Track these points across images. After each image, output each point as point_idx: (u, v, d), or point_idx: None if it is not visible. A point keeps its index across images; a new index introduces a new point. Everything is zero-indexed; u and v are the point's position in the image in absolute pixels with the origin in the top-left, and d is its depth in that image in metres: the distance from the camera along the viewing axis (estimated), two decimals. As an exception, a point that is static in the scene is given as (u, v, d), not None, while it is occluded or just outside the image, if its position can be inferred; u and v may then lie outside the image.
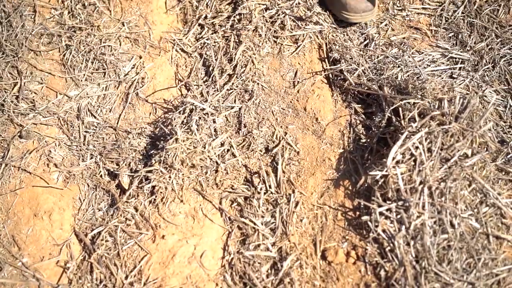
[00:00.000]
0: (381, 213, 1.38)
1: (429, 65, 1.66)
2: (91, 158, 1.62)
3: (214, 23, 1.81)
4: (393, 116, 1.50)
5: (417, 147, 1.40)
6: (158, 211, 1.48)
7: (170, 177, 1.49)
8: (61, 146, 1.65)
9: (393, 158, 1.40)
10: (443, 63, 1.68)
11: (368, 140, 1.53)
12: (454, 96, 1.47)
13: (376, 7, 1.74)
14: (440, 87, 1.51)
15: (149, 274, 1.40)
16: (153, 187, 1.50)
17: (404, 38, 1.75)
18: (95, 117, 1.71)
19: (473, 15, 1.79)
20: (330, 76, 1.69)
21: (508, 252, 1.33)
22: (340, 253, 1.38)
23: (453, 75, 1.64)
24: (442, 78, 1.61)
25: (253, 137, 1.56)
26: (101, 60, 1.81)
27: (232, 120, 1.60)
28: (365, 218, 1.40)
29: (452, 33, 1.76)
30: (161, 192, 1.49)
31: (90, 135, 1.67)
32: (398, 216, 1.36)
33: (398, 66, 1.63)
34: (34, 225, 1.52)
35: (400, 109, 1.49)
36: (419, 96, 1.49)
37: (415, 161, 1.40)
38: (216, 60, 1.73)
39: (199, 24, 1.84)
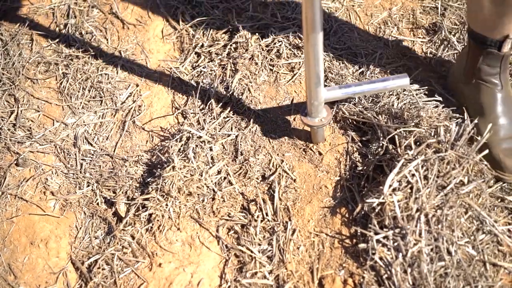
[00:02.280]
0: (378, 241, 1.38)
1: (426, 95, 1.67)
2: (88, 186, 1.62)
3: (210, 51, 1.82)
4: (389, 144, 1.51)
5: (413, 175, 1.41)
6: (155, 239, 1.48)
7: (167, 205, 1.50)
8: (57, 174, 1.65)
9: (390, 186, 1.41)
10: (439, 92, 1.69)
11: (365, 167, 1.54)
12: (450, 124, 1.48)
13: None
14: (436, 115, 1.53)
15: (146, 303, 1.40)
16: (150, 215, 1.50)
17: (398, 66, 1.76)
18: (91, 145, 1.71)
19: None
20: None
21: (505, 279, 1.33)
22: (337, 281, 1.38)
23: (450, 105, 1.65)
24: (439, 106, 1.62)
25: (250, 165, 1.57)
26: (98, 88, 1.82)
27: (228, 148, 1.61)
28: (362, 245, 1.40)
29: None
30: (158, 220, 1.49)
31: (86, 163, 1.67)
32: (395, 244, 1.36)
33: (395, 94, 1.64)
34: (30, 253, 1.51)
35: (396, 137, 1.50)
36: (415, 124, 1.50)
37: (411, 188, 1.40)
38: (212, 88, 1.74)
39: (196, 53, 1.85)
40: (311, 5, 1.20)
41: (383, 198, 1.40)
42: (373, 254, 1.37)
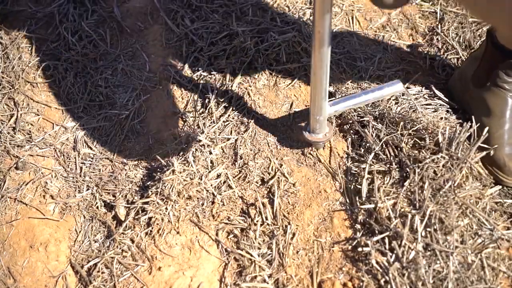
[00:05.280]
0: (375, 245, 1.38)
1: (426, 99, 1.67)
2: (87, 189, 1.63)
3: (210, 55, 1.82)
4: (387, 148, 1.51)
5: (409, 178, 1.42)
6: (154, 243, 1.48)
7: (166, 208, 1.50)
8: (57, 177, 1.65)
9: (384, 190, 1.42)
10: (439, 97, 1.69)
11: (363, 171, 1.54)
12: (450, 127, 1.49)
13: None
14: (436, 119, 1.53)
15: (146, 306, 1.40)
16: (150, 218, 1.50)
17: (398, 70, 1.77)
18: (91, 148, 1.71)
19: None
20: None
21: (504, 283, 1.33)
22: (337, 284, 1.38)
23: (449, 109, 1.65)
24: (438, 110, 1.62)
25: (249, 168, 1.57)
26: (98, 92, 1.82)
27: (228, 151, 1.61)
28: (360, 249, 1.41)
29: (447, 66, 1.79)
30: (157, 224, 1.49)
31: (86, 167, 1.67)
32: (392, 247, 1.36)
33: (394, 99, 1.64)
34: (30, 256, 1.51)
35: (393, 141, 1.51)
36: (414, 128, 1.51)
37: (406, 192, 1.41)
38: (212, 92, 1.74)
39: (195, 57, 1.85)
40: (322, 20, 1.21)
41: (378, 203, 1.41)
42: (371, 258, 1.37)
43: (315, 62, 1.32)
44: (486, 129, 1.50)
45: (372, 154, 1.54)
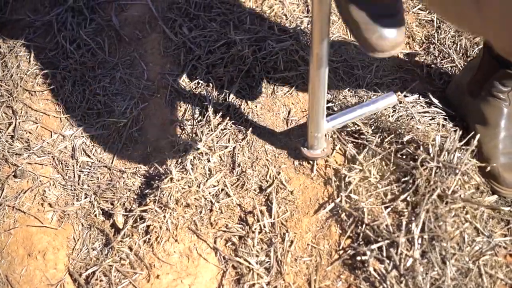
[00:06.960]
0: (372, 252, 1.39)
1: (423, 107, 1.68)
2: (86, 197, 1.63)
3: (208, 64, 1.83)
4: (382, 157, 1.52)
5: (404, 186, 1.42)
6: (152, 251, 1.48)
7: (164, 216, 1.50)
8: (55, 185, 1.65)
9: (379, 198, 1.42)
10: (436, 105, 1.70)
11: (360, 179, 1.54)
12: (441, 136, 1.49)
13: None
14: (432, 127, 1.54)
15: (144, 314, 1.40)
16: (148, 226, 1.50)
17: (395, 78, 1.77)
18: (89, 156, 1.71)
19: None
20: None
21: (502, 290, 1.34)
22: (335, 292, 1.38)
23: (447, 117, 1.66)
24: (435, 118, 1.63)
25: (247, 176, 1.57)
26: (96, 100, 1.82)
27: (226, 159, 1.61)
28: (358, 257, 1.41)
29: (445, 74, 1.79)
30: (155, 232, 1.49)
31: (84, 175, 1.67)
32: (389, 255, 1.36)
33: (392, 106, 1.65)
34: (28, 265, 1.52)
35: (388, 149, 1.51)
36: (409, 136, 1.51)
37: (403, 199, 1.42)
38: (210, 100, 1.74)
39: (193, 65, 1.85)
40: (320, 42, 1.23)
41: (374, 211, 1.42)
42: (368, 265, 1.37)
43: (313, 82, 1.34)
44: (477, 136, 1.51)
45: (368, 163, 1.54)
